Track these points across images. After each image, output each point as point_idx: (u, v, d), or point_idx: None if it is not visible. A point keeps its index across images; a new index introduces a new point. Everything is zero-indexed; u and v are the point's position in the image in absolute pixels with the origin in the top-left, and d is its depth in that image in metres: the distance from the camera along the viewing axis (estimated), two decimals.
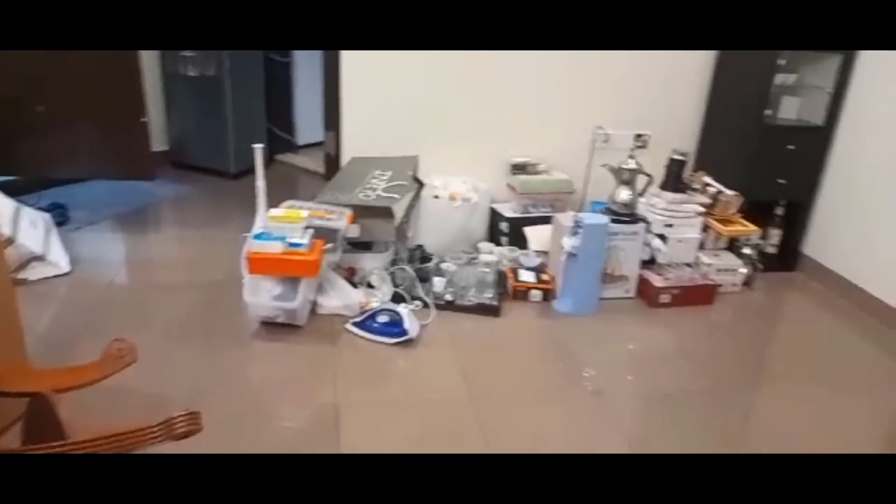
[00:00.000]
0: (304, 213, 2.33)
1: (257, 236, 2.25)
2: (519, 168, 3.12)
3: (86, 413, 1.25)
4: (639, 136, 3.24)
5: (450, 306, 2.55)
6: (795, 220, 3.12)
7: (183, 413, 1.11)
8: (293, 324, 2.33)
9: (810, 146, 2.98)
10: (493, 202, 3.13)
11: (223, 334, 2.27)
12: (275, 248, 2.23)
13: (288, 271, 2.26)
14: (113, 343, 1.37)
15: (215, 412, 1.83)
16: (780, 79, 2.93)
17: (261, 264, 2.23)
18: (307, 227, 2.31)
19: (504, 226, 3.04)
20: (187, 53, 3.79)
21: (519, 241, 2.98)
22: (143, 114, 3.19)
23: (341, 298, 2.44)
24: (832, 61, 2.88)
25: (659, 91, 3.20)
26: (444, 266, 2.73)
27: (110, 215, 3.28)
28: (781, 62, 2.86)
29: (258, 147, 2.55)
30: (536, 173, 3.12)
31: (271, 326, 2.32)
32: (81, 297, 2.47)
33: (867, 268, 2.80)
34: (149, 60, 3.76)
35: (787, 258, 3.17)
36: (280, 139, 4.53)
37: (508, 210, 3.08)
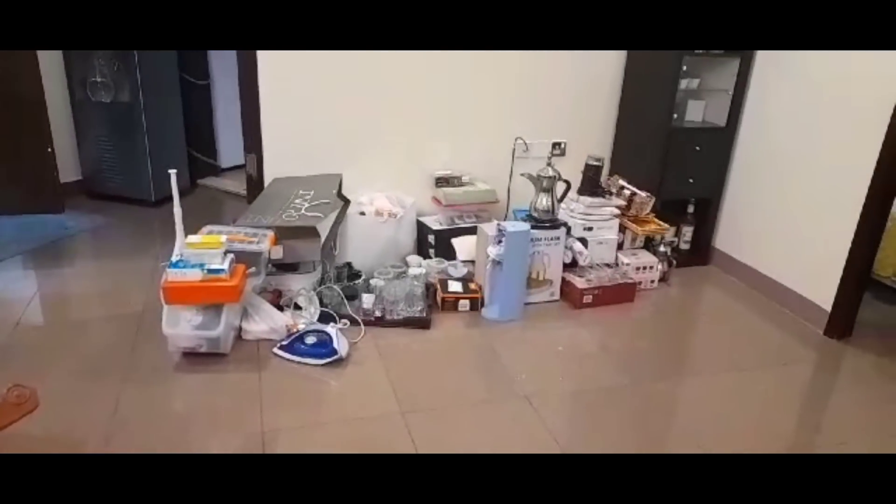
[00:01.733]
0: (223, 238, 2.29)
1: (174, 265, 2.19)
2: (443, 181, 3.16)
3: None
4: (556, 144, 3.35)
5: (380, 322, 2.55)
6: (706, 217, 3.29)
7: None
8: (217, 352, 2.27)
9: (715, 146, 3.15)
10: (419, 215, 3.15)
11: (142, 369, 2.19)
12: (193, 275, 2.17)
13: (208, 299, 2.21)
14: (10, 390, 1.30)
15: (132, 451, 1.77)
16: (684, 83, 3.10)
17: (178, 293, 2.17)
18: (227, 252, 2.27)
19: (431, 238, 3.06)
20: (97, 79, 3.66)
21: (447, 253, 3.01)
22: (49, 143, 3.05)
23: (267, 322, 2.40)
24: (731, 65, 3.06)
25: (573, 101, 3.32)
26: (372, 282, 2.73)
27: (18, 252, 3.11)
28: (685, 68, 3.01)
29: (173, 172, 2.48)
30: (460, 185, 3.17)
31: (194, 357, 2.26)
32: None
33: (772, 257, 2.98)
34: (55, 88, 3.61)
35: (700, 253, 3.34)
36: (203, 163, 4.42)
37: (435, 222, 3.11)
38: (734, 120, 3.12)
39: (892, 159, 2.40)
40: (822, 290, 2.68)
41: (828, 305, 2.66)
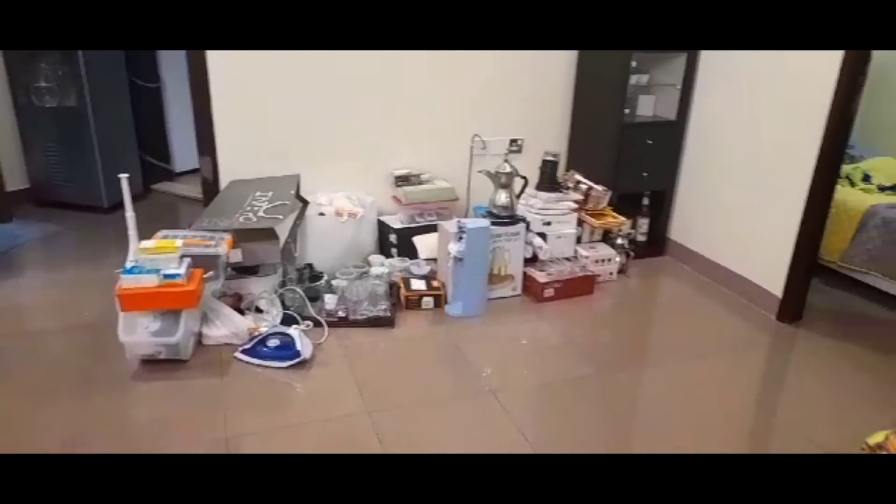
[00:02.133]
0: (179, 243, 2.24)
1: (128, 271, 2.14)
2: (403, 179, 3.16)
3: None
4: (513, 141, 3.38)
5: (343, 322, 2.54)
6: (660, 209, 3.37)
7: None
8: (178, 359, 2.23)
9: (666, 140, 3.24)
10: (380, 215, 3.15)
11: (99, 379, 2.14)
12: (149, 281, 2.12)
13: (165, 304, 2.16)
14: None
15: None
16: (634, 79, 3.16)
17: (134, 300, 2.12)
18: (183, 257, 2.22)
19: (393, 237, 3.06)
20: (42, 84, 3.54)
21: (409, 251, 3.02)
22: None
23: (228, 327, 2.37)
24: (678, 61, 3.14)
25: (529, 99, 3.35)
26: (334, 282, 2.71)
27: None
28: (634, 64, 3.08)
29: (124, 177, 2.44)
30: (420, 183, 3.18)
31: (153, 364, 2.21)
32: None
33: (724, 246, 3.08)
34: None
35: (656, 244, 3.42)
36: (156, 168, 4.32)
37: (396, 221, 3.11)
38: (683, 114, 3.20)
39: (833, 149, 2.51)
40: (773, 277, 2.77)
41: (779, 291, 2.76)
